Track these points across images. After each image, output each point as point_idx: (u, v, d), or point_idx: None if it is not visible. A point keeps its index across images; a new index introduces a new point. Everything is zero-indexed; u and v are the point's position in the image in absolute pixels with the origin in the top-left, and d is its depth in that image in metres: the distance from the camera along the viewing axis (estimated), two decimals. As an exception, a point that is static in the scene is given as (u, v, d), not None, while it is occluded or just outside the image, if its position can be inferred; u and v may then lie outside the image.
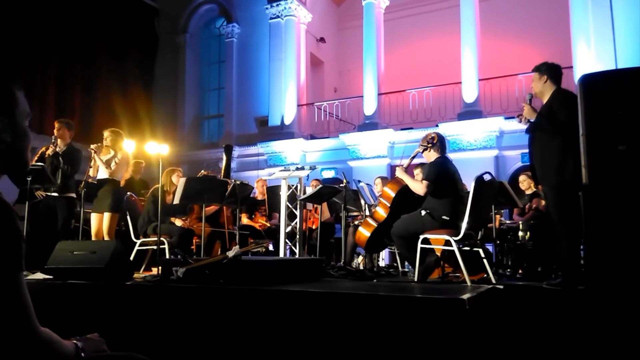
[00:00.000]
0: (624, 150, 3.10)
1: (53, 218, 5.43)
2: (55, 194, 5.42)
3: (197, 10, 15.14)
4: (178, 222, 5.58)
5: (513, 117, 10.66)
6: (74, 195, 5.49)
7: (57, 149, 5.40)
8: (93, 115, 12.22)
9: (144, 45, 14.74)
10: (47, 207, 5.47)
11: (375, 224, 4.86)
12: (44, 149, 5.56)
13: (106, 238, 5.34)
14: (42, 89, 11.46)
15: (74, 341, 1.21)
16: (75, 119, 11.48)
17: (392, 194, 4.80)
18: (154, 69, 15.14)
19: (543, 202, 5.81)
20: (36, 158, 5.39)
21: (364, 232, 4.90)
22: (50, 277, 3.91)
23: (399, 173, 4.45)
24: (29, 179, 4.92)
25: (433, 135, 4.41)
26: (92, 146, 5.51)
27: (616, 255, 3.06)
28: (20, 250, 1.03)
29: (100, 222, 5.46)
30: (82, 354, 1.19)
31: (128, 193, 5.77)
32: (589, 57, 9.73)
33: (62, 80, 12.04)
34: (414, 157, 4.55)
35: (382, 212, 4.87)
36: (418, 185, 4.24)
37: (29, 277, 4.15)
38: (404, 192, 4.60)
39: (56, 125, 5.58)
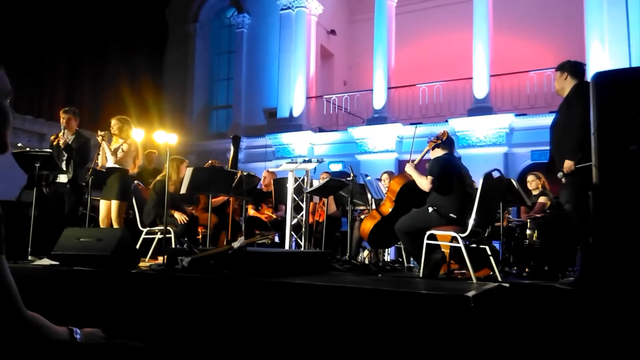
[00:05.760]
0: (635, 150, 3.06)
1: (61, 205, 5.47)
2: (63, 182, 5.46)
3: (208, 0, 15.11)
4: (177, 215, 5.51)
5: (524, 115, 10.63)
6: (82, 183, 5.52)
7: (67, 139, 5.43)
8: (102, 103, 12.25)
9: (154, 34, 14.70)
10: (56, 194, 5.51)
11: (379, 217, 4.87)
12: (53, 137, 5.59)
13: (115, 225, 5.37)
14: (51, 77, 11.50)
15: (69, 327, 1.18)
16: (85, 106, 11.53)
17: (398, 188, 4.79)
18: (163, 58, 15.12)
19: (549, 203, 5.77)
20: (65, 140, 5.42)
21: (368, 224, 4.91)
22: (56, 263, 3.93)
23: (408, 168, 4.44)
24: (37, 165, 4.95)
25: (443, 132, 4.44)
26: (100, 133, 5.53)
27: (626, 257, 3.02)
28: (0, 234, 1.00)
29: (107, 210, 5.50)
30: (77, 338, 1.16)
31: (135, 182, 5.78)
32: (603, 55, 9.61)
33: (72, 67, 12.07)
34: (425, 154, 4.54)
35: (387, 206, 4.88)
36: (424, 181, 4.22)
37: (36, 263, 4.19)
38: (411, 188, 4.57)
39: (62, 115, 5.59)
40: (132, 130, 5.73)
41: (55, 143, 5.45)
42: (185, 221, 5.40)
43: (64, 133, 5.43)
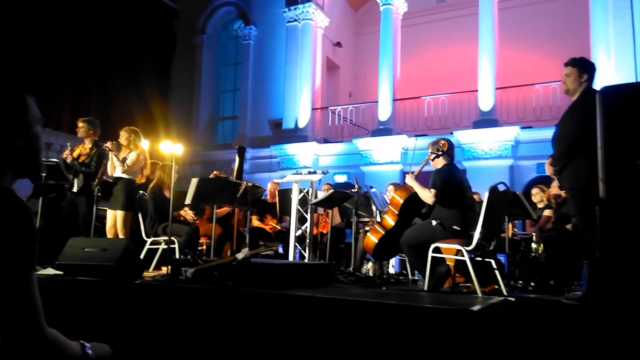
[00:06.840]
0: (642, 165, 3.04)
1: (75, 214, 5.52)
2: (75, 191, 5.52)
3: (216, 12, 15.25)
4: (183, 213, 5.64)
5: (529, 127, 10.61)
6: (94, 192, 5.57)
7: (83, 150, 5.55)
8: (110, 114, 12.32)
9: (162, 45, 14.84)
10: (70, 204, 5.56)
11: (383, 231, 4.81)
12: (76, 148, 5.68)
13: (120, 236, 5.38)
14: (59, 88, 11.60)
15: (81, 342, 1.21)
16: (92, 117, 11.58)
17: (401, 201, 4.75)
18: (170, 68, 15.25)
19: (553, 217, 5.73)
20: (72, 157, 5.50)
21: (372, 239, 4.86)
22: (61, 273, 3.93)
23: (409, 180, 4.40)
24: (43, 174, 4.98)
25: (443, 142, 4.34)
26: (108, 144, 5.57)
27: (633, 273, 2.99)
28: (35, 251, 1.04)
29: (114, 219, 5.51)
30: (89, 354, 1.19)
31: (140, 192, 5.80)
32: (609, 69, 9.60)
33: (80, 78, 12.17)
34: (424, 165, 4.50)
35: (390, 220, 4.82)
36: (426, 194, 4.18)
37: (40, 273, 4.19)
38: (414, 200, 4.55)
39: (79, 124, 5.71)
40: (142, 141, 5.78)
41: (73, 155, 5.54)
42: (193, 219, 5.58)
43: (76, 146, 5.57)
